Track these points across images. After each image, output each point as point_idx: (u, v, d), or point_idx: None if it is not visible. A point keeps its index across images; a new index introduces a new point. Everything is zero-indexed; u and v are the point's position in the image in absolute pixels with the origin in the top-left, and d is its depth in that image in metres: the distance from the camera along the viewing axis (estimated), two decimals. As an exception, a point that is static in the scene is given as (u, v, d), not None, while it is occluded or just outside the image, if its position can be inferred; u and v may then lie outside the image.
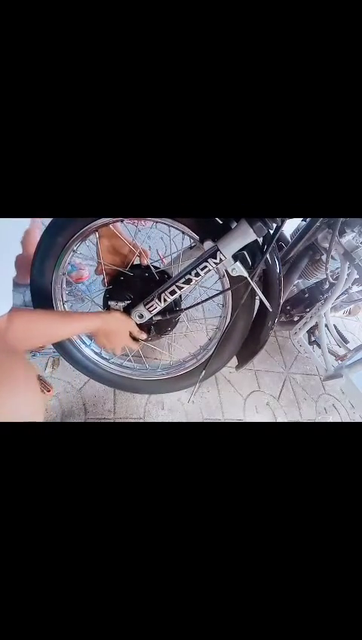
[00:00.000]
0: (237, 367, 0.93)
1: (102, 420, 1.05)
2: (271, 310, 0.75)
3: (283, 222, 0.63)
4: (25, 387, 0.55)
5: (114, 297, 0.82)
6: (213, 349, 0.87)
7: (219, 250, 0.65)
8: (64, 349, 0.93)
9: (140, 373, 1.00)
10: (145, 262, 0.80)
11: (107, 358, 0.98)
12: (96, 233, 0.75)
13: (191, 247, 0.98)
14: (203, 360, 0.91)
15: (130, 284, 0.81)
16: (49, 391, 0.99)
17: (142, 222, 1.59)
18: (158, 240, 1.66)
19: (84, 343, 0.95)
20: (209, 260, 0.67)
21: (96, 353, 0.97)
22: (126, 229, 0.84)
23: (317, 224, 0.91)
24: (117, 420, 1.07)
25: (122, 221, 0.73)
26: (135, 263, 0.81)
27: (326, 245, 0.91)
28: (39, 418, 0.57)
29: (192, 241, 0.78)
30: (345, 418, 1.56)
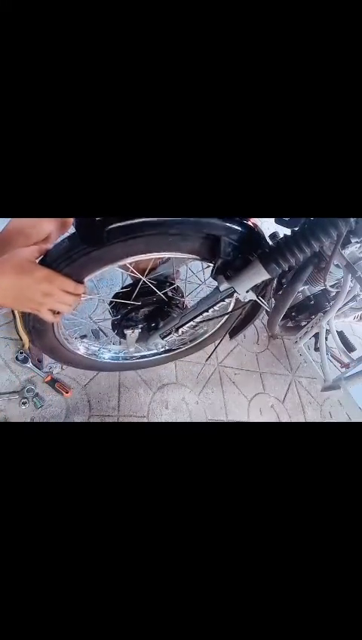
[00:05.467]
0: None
1: (107, 417, 1.09)
2: (270, 311, 0.77)
3: (297, 262, 0.61)
4: None
5: (123, 329, 0.87)
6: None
7: (235, 291, 0.67)
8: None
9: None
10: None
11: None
12: None
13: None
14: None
15: (138, 313, 0.86)
16: (67, 392, 1.04)
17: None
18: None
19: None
20: (226, 300, 0.73)
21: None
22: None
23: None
24: (121, 418, 1.11)
25: None
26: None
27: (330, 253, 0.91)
28: None
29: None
30: (351, 424, 1.55)
